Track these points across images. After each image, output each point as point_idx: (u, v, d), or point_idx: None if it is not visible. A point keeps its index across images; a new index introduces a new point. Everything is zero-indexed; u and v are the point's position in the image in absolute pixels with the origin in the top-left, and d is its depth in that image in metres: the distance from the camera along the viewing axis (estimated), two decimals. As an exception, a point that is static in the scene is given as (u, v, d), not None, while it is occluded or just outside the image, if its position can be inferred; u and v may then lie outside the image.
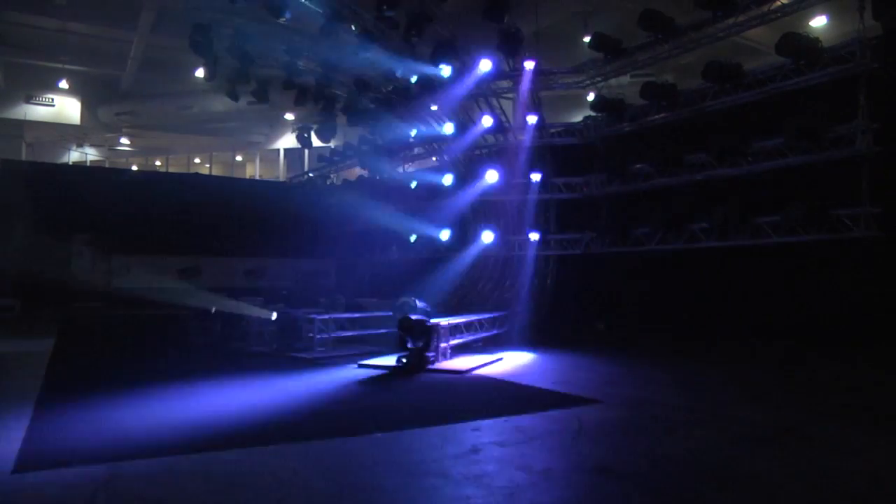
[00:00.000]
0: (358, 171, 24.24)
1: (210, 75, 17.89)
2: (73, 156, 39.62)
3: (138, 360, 12.28)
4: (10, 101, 35.10)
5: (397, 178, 21.03)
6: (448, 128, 16.51)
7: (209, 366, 11.66)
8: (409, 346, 10.94)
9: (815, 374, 10.81)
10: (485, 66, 14.75)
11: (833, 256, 13.08)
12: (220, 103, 32.79)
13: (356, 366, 11.11)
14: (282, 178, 36.90)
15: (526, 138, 16.78)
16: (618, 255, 14.97)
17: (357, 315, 14.18)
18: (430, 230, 18.38)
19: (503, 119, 16.84)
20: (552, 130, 17.08)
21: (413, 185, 19.55)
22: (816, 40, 11.37)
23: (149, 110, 37.56)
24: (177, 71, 33.95)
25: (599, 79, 15.69)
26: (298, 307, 14.77)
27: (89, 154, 40.21)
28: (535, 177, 16.30)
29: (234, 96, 18.07)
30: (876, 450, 6.17)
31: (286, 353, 12.64)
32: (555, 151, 16.75)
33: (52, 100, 35.93)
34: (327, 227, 24.80)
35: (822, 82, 11.55)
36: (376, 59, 14.71)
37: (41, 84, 34.94)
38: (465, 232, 18.89)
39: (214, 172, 43.17)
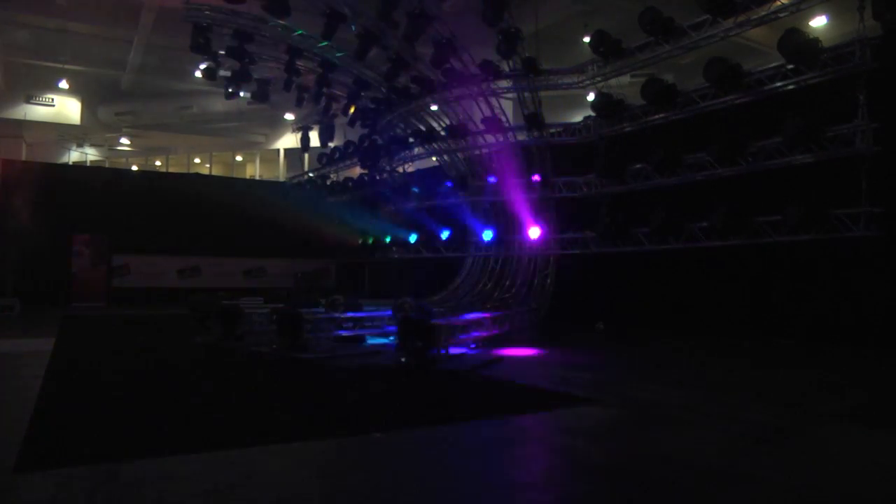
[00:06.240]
0: (358, 170, 24.25)
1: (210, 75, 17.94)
2: (73, 156, 39.61)
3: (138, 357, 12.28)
4: (10, 101, 35.10)
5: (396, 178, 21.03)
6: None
7: (208, 364, 11.70)
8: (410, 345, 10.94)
9: (815, 374, 10.81)
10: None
11: (833, 256, 13.09)
12: (220, 103, 32.90)
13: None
14: (282, 178, 36.93)
15: (525, 138, 16.78)
16: (618, 255, 14.96)
17: (357, 315, 14.19)
18: (431, 230, 18.37)
19: (503, 119, 16.83)
20: (552, 130, 17.07)
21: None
22: (816, 40, 11.36)
23: (149, 110, 37.61)
24: (177, 71, 33.99)
25: (599, 79, 15.68)
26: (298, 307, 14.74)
27: (89, 154, 40.20)
28: (535, 176, 16.29)
29: (234, 96, 18.10)
30: (876, 449, 6.17)
31: (286, 353, 12.62)
32: (554, 151, 16.75)
33: (52, 100, 35.94)
34: (327, 226, 24.81)
35: (822, 82, 11.54)
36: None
37: (41, 84, 34.95)
38: (465, 232, 18.88)
39: (214, 172, 43.17)
